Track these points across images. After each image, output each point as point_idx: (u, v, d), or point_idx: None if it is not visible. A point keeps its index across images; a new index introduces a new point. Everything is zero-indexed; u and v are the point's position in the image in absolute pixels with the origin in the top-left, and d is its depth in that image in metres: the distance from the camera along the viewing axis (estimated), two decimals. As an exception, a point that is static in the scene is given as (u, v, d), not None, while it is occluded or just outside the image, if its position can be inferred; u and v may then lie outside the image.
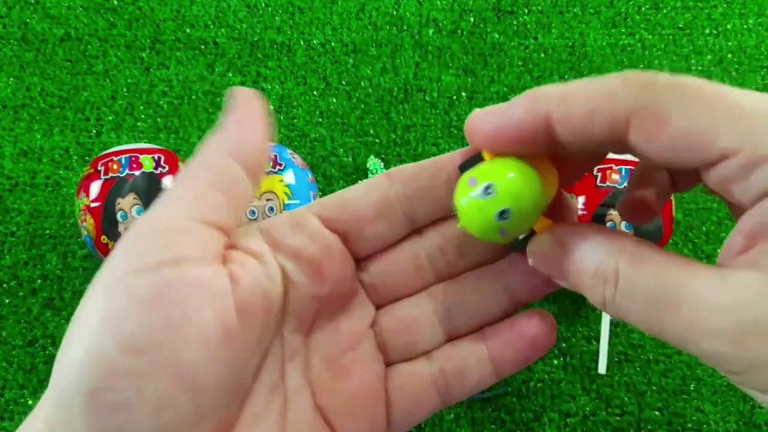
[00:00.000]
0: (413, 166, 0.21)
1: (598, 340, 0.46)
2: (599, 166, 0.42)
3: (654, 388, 0.45)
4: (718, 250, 0.49)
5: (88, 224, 0.42)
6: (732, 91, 0.16)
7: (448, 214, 0.22)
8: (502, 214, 0.18)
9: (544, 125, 0.17)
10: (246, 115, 0.21)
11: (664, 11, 0.55)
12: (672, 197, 0.43)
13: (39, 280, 0.48)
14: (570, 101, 0.17)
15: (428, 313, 0.22)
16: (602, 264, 0.17)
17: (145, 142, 0.48)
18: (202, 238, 0.18)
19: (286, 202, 0.42)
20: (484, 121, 0.18)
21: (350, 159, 0.51)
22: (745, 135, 0.15)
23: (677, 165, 0.16)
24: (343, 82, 0.53)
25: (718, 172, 0.16)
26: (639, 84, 0.16)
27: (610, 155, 0.44)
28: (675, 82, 0.16)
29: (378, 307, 0.23)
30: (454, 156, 0.21)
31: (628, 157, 0.43)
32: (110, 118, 0.52)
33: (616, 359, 0.47)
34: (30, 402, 0.45)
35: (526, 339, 0.21)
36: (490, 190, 0.18)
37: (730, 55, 0.54)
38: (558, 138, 0.17)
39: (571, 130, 0.17)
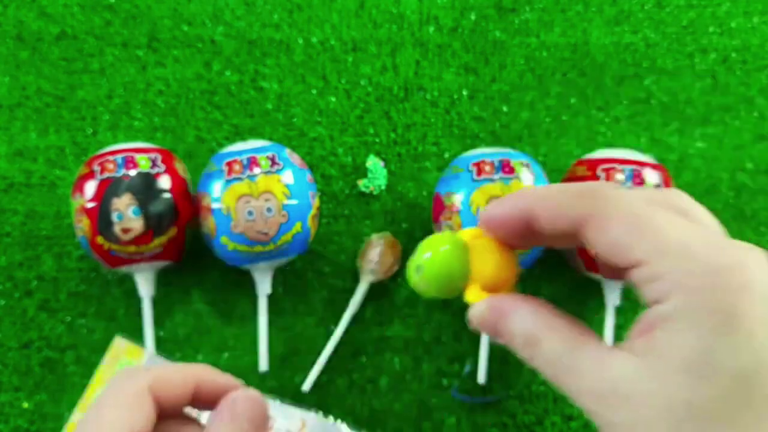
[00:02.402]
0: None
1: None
2: (603, 166, 0.42)
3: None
4: (723, 251, 0.49)
5: (83, 225, 0.41)
6: (661, 216, 0.20)
7: None
8: (418, 268, 0.25)
9: (528, 216, 0.23)
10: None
11: (668, 9, 0.54)
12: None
13: (34, 282, 0.47)
14: (547, 200, 0.23)
15: None
16: (529, 331, 0.23)
17: (141, 142, 0.48)
18: None
19: (285, 202, 0.41)
20: (486, 211, 0.25)
21: (350, 158, 0.51)
22: (653, 253, 0.20)
23: (612, 261, 0.21)
24: (343, 81, 0.52)
25: (633, 275, 0.21)
26: (595, 194, 0.22)
27: (613, 155, 0.43)
28: (622, 198, 0.21)
29: None
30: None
31: (632, 157, 0.42)
32: (106, 117, 0.51)
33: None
34: (25, 405, 0.45)
35: None
36: (418, 258, 0.25)
37: (734, 54, 0.53)
38: (537, 226, 0.23)
39: (545, 222, 0.23)
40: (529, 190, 0.24)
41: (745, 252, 0.19)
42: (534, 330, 0.23)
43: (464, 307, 0.48)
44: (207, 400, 0.26)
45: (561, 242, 0.24)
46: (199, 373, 0.26)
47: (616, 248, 0.21)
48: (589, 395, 0.21)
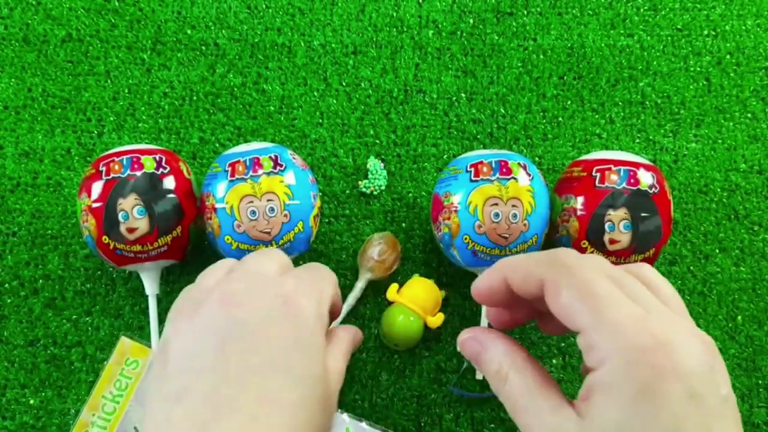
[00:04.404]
0: None
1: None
2: (598, 167, 0.43)
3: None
4: (717, 251, 0.49)
5: (89, 224, 0.42)
6: (606, 290, 0.23)
7: None
8: (396, 344, 0.45)
9: (505, 283, 0.27)
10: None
11: (663, 12, 0.55)
12: (671, 197, 0.43)
13: (40, 280, 0.48)
14: (516, 268, 0.26)
15: None
16: (500, 366, 0.26)
17: (146, 143, 0.49)
18: None
19: (287, 202, 0.42)
20: (473, 286, 0.29)
21: (350, 159, 0.51)
22: (591, 324, 0.22)
23: (564, 324, 0.24)
24: (344, 83, 0.53)
25: (579, 341, 0.23)
26: (555, 262, 0.25)
27: (608, 156, 0.44)
28: (580, 266, 0.24)
29: None
30: None
31: (626, 157, 0.43)
32: (111, 118, 0.52)
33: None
34: (31, 401, 0.46)
35: None
36: (390, 337, 0.45)
37: (728, 56, 0.54)
38: (512, 290, 0.27)
39: (517, 288, 0.26)
40: (502, 261, 0.27)
41: (676, 333, 0.22)
42: (504, 366, 0.26)
43: (461, 305, 0.49)
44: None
45: (544, 305, 0.27)
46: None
47: (564, 313, 0.23)
48: None
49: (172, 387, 0.25)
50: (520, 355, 0.27)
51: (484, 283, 0.28)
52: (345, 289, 0.48)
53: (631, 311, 0.22)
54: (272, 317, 0.27)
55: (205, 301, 0.28)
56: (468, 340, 0.29)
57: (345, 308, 0.46)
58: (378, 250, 0.46)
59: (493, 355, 0.27)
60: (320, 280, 0.31)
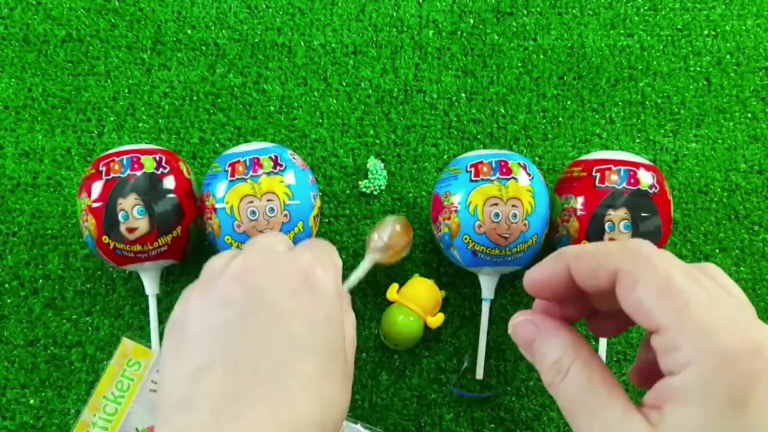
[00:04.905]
0: None
1: (597, 339, 0.46)
2: (598, 167, 0.43)
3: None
4: (717, 251, 0.49)
5: (89, 224, 0.42)
6: (691, 287, 0.21)
7: None
8: (396, 344, 0.45)
9: (566, 274, 0.24)
10: None
11: (663, 12, 0.55)
12: (671, 197, 0.43)
13: (40, 280, 0.48)
14: (583, 256, 0.23)
15: None
16: (562, 358, 0.23)
17: (146, 143, 0.49)
18: None
19: (287, 202, 0.42)
20: (527, 276, 0.26)
21: (350, 159, 0.51)
22: (675, 323, 0.20)
23: (635, 320, 0.22)
24: (344, 83, 0.53)
25: (653, 340, 0.21)
26: (631, 251, 0.22)
27: (608, 156, 0.44)
28: (658, 259, 0.22)
29: None
30: None
31: (626, 157, 0.43)
32: (111, 118, 0.52)
33: (615, 358, 0.47)
34: (31, 401, 0.46)
35: None
36: (390, 337, 0.45)
37: (728, 56, 0.54)
38: (576, 282, 0.24)
39: (583, 277, 0.23)
40: (565, 249, 0.25)
41: (766, 337, 0.20)
42: (567, 359, 0.23)
43: (461, 305, 0.49)
44: None
45: (604, 303, 0.25)
46: None
47: (640, 308, 0.21)
48: None
49: (194, 362, 0.24)
50: (585, 349, 0.24)
51: (544, 272, 0.25)
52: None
53: (721, 311, 0.20)
54: (294, 291, 0.26)
55: (220, 276, 0.27)
56: (524, 324, 0.25)
57: (346, 287, 0.42)
58: (389, 232, 0.43)
59: (554, 345, 0.24)
60: (331, 252, 0.30)
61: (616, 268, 0.22)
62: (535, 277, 0.25)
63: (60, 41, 0.53)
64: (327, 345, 0.26)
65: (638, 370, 0.26)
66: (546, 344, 0.24)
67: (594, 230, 0.41)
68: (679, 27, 0.55)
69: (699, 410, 0.19)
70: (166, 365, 0.25)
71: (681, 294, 0.20)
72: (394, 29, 0.54)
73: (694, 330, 0.20)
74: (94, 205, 0.42)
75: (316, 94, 0.53)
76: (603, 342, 0.46)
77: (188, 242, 0.44)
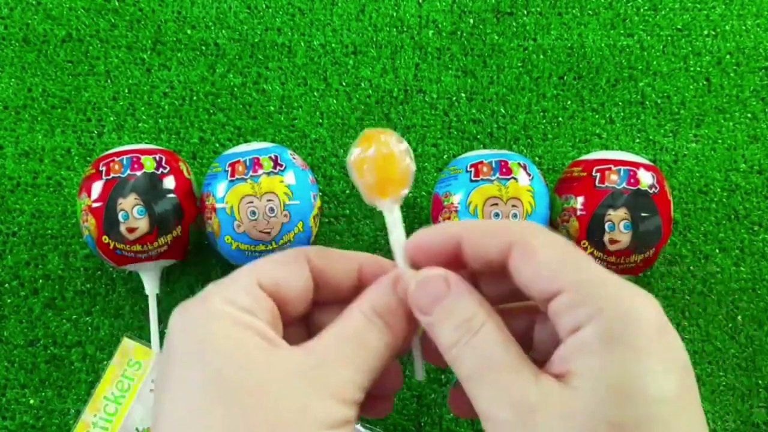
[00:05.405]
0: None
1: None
2: (598, 167, 0.43)
3: (652, 387, 0.46)
4: (717, 251, 0.49)
5: (89, 224, 0.42)
6: (582, 254, 0.22)
7: None
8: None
9: (455, 243, 0.23)
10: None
11: (663, 12, 0.55)
12: (671, 197, 0.43)
13: (40, 280, 0.48)
14: (475, 227, 0.23)
15: None
16: (474, 318, 0.22)
17: (146, 143, 0.49)
18: None
19: (287, 202, 0.42)
20: (414, 237, 0.24)
21: (350, 159, 0.51)
22: (576, 282, 0.20)
23: (535, 290, 0.21)
24: (344, 83, 0.53)
25: (551, 306, 0.21)
26: (524, 226, 0.22)
27: (608, 156, 0.44)
28: (550, 233, 0.22)
29: None
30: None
31: (626, 157, 0.43)
32: (111, 118, 0.52)
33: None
34: (31, 401, 0.46)
35: None
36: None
37: (728, 56, 0.54)
38: (464, 255, 0.23)
39: (472, 248, 0.23)
40: (457, 221, 0.24)
41: (641, 292, 0.21)
42: (479, 318, 0.21)
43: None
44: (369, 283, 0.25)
45: (488, 279, 0.24)
46: (362, 260, 0.26)
47: (540, 275, 0.21)
48: (509, 405, 0.20)
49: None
50: (495, 312, 0.22)
51: (431, 236, 0.23)
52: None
53: (607, 272, 0.21)
54: None
55: None
56: (435, 279, 0.22)
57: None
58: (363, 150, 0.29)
59: (467, 302, 0.22)
60: None
61: (512, 241, 0.22)
62: (420, 240, 0.24)
63: (60, 41, 0.53)
64: None
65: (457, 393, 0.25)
66: (458, 301, 0.22)
67: (594, 230, 0.41)
68: (679, 27, 0.55)
69: (612, 359, 0.19)
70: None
71: (577, 258, 0.21)
72: (394, 29, 0.54)
73: (595, 286, 0.20)
74: (94, 205, 0.42)
75: (316, 94, 0.53)
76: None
77: (188, 242, 0.44)
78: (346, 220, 0.50)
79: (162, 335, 0.46)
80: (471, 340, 0.21)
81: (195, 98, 0.52)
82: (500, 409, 0.20)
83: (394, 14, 0.55)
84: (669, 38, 0.54)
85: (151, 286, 0.45)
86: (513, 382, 0.20)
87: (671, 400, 0.19)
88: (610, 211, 0.41)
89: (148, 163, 0.43)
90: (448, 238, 0.23)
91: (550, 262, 0.21)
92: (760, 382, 0.47)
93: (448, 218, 0.42)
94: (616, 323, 0.19)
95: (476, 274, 0.25)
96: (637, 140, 0.52)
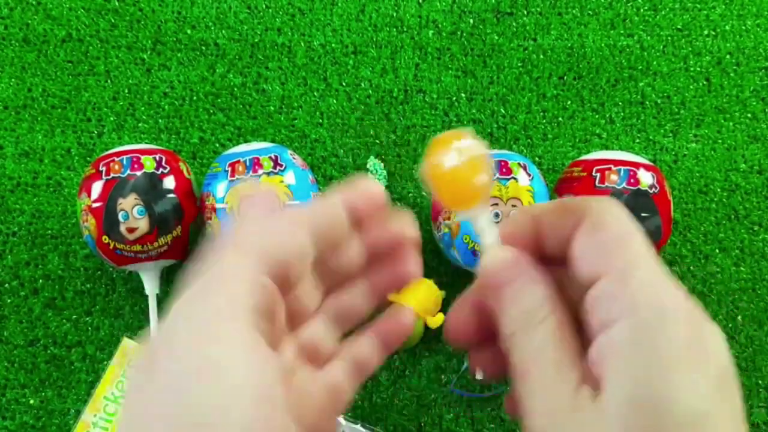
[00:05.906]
0: None
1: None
2: (598, 167, 0.43)
3: (652, 387, 0.46)
4: (717, 251, 0.49)
5: (89, 224, 0.42)
6: (642, 242, 0.20)
7: None
8: None
9: (531, 227, 0.22)
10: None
11: (663, 12, 0.55)
12: (671, 197, 0.43)
13: (40, 280, 0.48)
14: (551, 206, 0.22)
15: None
16: (538, 310, 0.21)
17: (146, 143, 0.49)
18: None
19: (287, 202, 0.42)
20: (502, 231, 0.23)
21: (350, 159, 0.51)
22: (620, 272, 0.19)
23: (581, 265, 0.20)
24: (344, 84, 0.53)
25: (591, 293, 0.20)
26: (601, 200, 0.21)
27: (608, 156, 0.44)
28: (621, 214, 0.21)
29: None
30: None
31: (626, 157, 0.43)
32: (111, 118, 0.52)
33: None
34: (31, 401, 0.46)
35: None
36: None
37: (728, 56, 0.54)
38: (543, 236, 0.22)
39: (550, 226, 0.22)
40: (521, 209, 0.23)
41: (681, 293, 0.19)
42: (543, 311, 0.21)
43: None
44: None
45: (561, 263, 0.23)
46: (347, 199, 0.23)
47: (595, 253, 0.20)
48: (544, 410, 0.20)
49: None
50: (561, 310, 0.21)
51: (513, 226, 0.23)
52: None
53: (662, 277, 0.19)
54: None
55: None
56: (511, 264, 0.22)
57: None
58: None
59: (534, 293, 0.21)
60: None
61: (585, 215, 0.21)
62: (510, 229, 0.23)
63: (60, 41, 0.53)
64: None
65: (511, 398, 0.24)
66: (525, 290, 0.21)
67: (594, 230, 0.41)
68: (679, 27, 0.55)
69: (640, 364, 0.18)
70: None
71: (635, 245, 0.20)
72: (394, 29, 0.54)
73: (639, 277, 0.19)
74: (94, 205, 0.42)
75: (316, 94, 0.53)
76: None
77: (188, 242, 0.44)
78: (346, 220, 0.50)
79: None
80: (530, 330, 0.21)
81: (195, 98, 0.52)
82: (534, 410, 0.20)
83: (394, 14, 0.55)
84: (669, 38, 0.54)
85: (151, 286, 0.45)
86: (553, 385, 0.20)
87: (700, 416, 0.18)
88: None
89: (148, 163, 0.43)
90: (524, 226, 0.22)
91: (609, 242, 0.20)
92: (760, 382, 0.47)
93: (448, 218, 0.42)
94: (648, 326, 0.18)
95: (558, 264, 0.23)
96: (637, 140, 0.52)
